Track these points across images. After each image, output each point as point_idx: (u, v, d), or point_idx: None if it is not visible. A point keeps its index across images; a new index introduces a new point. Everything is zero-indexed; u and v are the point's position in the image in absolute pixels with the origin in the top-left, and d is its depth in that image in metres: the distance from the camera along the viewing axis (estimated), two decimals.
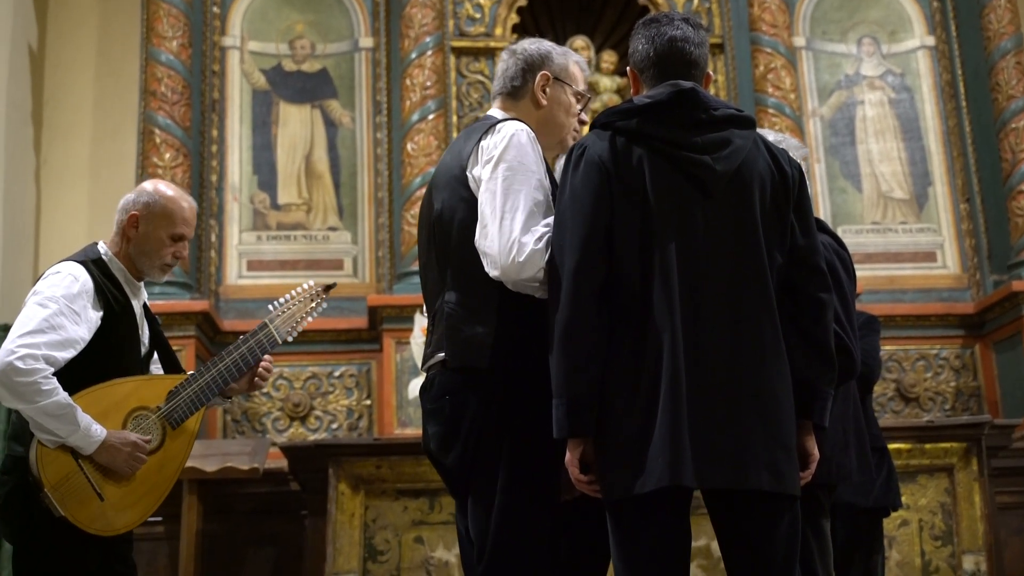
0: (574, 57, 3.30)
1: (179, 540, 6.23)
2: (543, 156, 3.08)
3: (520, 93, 3.23)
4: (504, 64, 3.27)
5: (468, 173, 3.04)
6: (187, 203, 3.72)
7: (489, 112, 3.27)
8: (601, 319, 2.75)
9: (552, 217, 2.93)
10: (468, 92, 8.35)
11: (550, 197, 2.99)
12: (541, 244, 2.87)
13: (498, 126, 3.05)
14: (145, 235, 3.62)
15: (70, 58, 8.60)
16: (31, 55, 8.14)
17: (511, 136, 3.00)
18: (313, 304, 3.88)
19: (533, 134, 3.06)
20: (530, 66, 3.22)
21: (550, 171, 3.09)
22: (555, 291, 2.79)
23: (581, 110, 3.30)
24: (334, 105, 8.41)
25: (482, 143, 3.04)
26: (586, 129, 3.09)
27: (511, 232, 2.87)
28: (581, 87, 3.28)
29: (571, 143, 3.29)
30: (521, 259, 2.85)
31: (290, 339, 3.85)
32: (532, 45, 3.27)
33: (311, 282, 3.94)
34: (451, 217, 3.06)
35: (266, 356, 3.79)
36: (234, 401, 7.57)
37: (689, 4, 8.58)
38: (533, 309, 2.92)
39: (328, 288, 3.95)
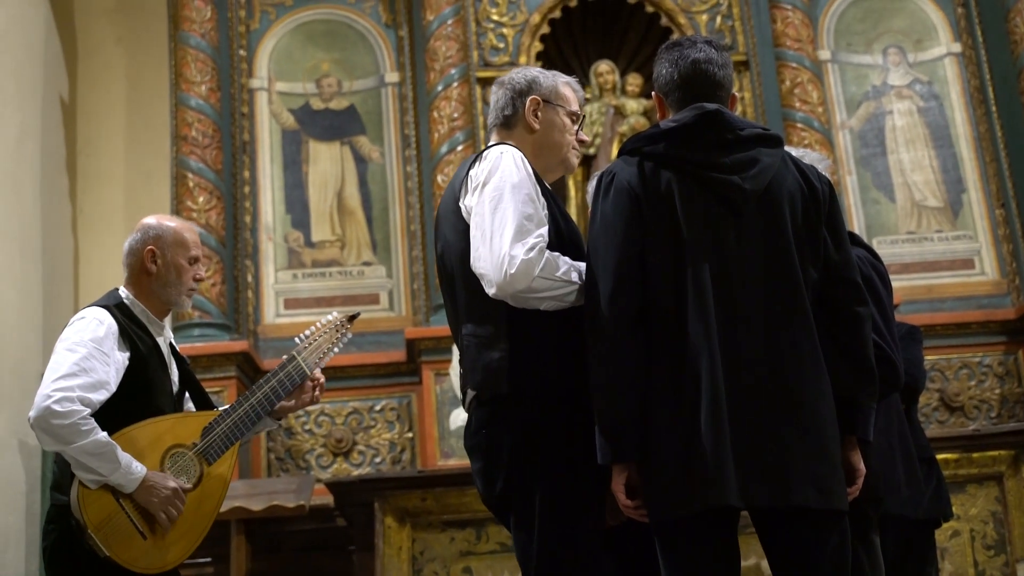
0: (563, 78, 3.30)
1: None
2: (538, 176, 3.08)
3: (513, 121, 3.23)
4: (495, 96, 3.29)
5: (460, 204, 3.07)
6: (190, 226, 3.84)
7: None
8: (639, 344, 2.76)
9: (545, 228, 2.93)
10: None
11: (543, 211, 2.98)
12: (532, 253, 2.85)
13: (484, 153, 3.08)
14: (166, 265, 3.68)
15: (101, 107, 8.71)
16: (63, 106, 8.25)
17: (496, 158, 3.02)
18: (339, 335, 3.92)
19: (520, 154, 3.06)
20: (518, 93, 3.23)
21: (547, 190, 3.09)
22: (592, 319, 2.80)
23: (578, 129, 3.30)
24: (363, 141, 8.46)
25: (470, 172, 3.06)
26: (614, 151, 3.11)
27: (501, 247, 2.87)
28: (574, 107, 3.27)
29: (573, 161, 3.31)
30: (513, 271, 2.84)
31: (317, 371, 3.89)
32: (519, 74, 3.28)
33: (335, 313, 3.98)
34: (451, 250, 3.09)
35: (316, 371, 3.83)
36: (276, 440, 7.61)
37: (712, 23, 8.58)
38: (544, 327, 2.93)
39: (352, 318, 3.98)
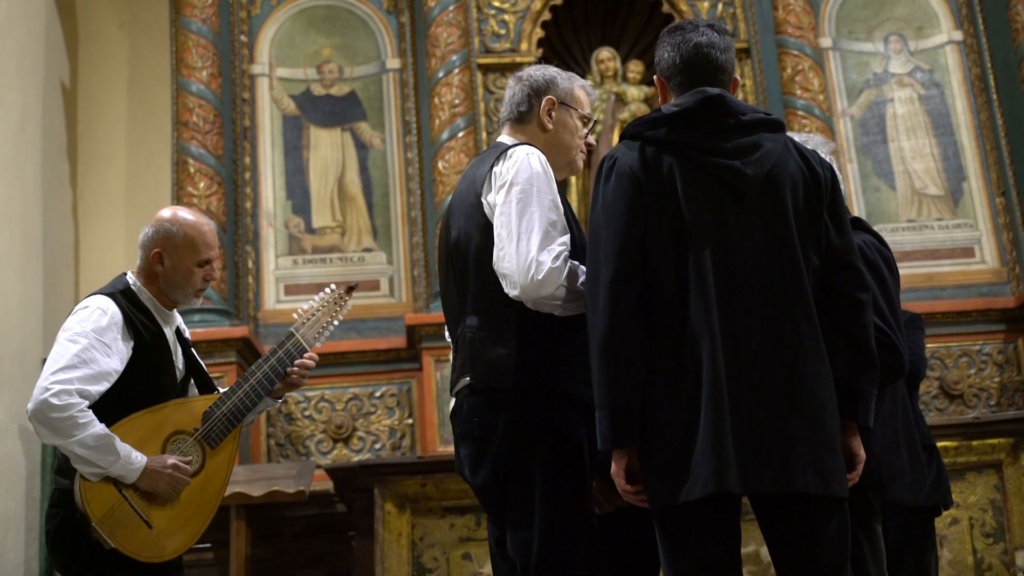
0: (579, 82, 3.36)
1: (229, 566, 6.27)
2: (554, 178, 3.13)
3: (527, 118, 3.29)
4: (511, 91, 3.34)
5: (483, 200, 3.10)
6: (207, 226, 3.72)
7: (499, 139, 3.32)
8: (640, 329, 2.76)
9: (568, 235, 2.99)
10: (496, 108, 8.35)
11: (564, 217, 3.04)
12: (559, 262, 2.92)
13: (509, 151, 3.11)
14: (173, 268, 3.64)
15: (102, 92, 8.69)
16: (64, 91, 8.24)
17: (523, 160, 3.06)
18: (337, 308, 3.90)
19: (544, 157, 3.11)
20: (535, 91, 3.28)
21: (563, 194, 3.14)
22: (593, 304, 2.80)
23: (588, 132, 3.36)
24: (364, 127, 8.46)
25: (495, 169, 3.10)
26: (615, 138, 3.13)
27: (528, 251, 2.92)
28: (587, 111, 3.34)
29: (580, 163, 3.40)
30: (540, 277, 2.90)
31: (319, 344, 3.87)
32: (537, 71, 3.33)
33: (332, 286, 3.96)
34: (467, 243, 3.12)
35: (307, 354, 3.81)
36: (276, 426, 7.62)
37: (713, 10, 8.56)
38: (552, 328, 2.98)
39: (351, 288, 3.97)
